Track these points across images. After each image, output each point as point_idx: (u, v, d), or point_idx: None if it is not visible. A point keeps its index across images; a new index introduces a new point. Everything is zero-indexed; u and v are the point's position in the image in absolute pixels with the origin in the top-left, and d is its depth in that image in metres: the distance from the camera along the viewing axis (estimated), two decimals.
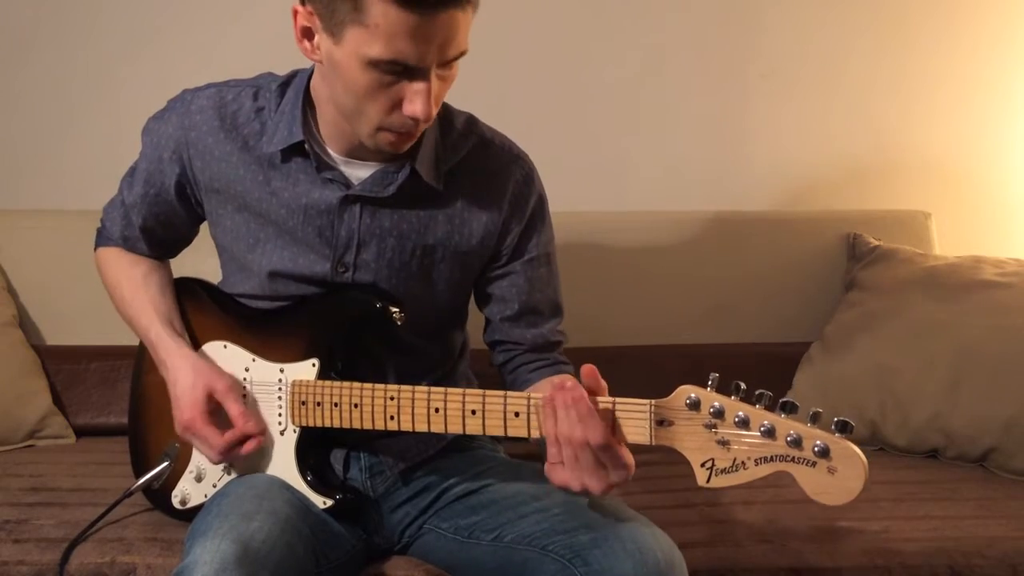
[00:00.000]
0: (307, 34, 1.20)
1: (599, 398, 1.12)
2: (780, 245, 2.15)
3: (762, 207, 2.31)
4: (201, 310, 1.43)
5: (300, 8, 1.19)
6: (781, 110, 2.32)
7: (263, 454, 1.33)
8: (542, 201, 1.42)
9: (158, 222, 1.44)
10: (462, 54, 1.17)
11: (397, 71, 1.15)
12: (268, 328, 1.36)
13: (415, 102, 1.16)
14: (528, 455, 1.47)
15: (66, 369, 1.99)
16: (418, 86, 1.16)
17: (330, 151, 1.32)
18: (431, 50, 1.13)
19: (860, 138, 2.33)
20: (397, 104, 1.18)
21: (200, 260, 1.54)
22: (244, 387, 1.35)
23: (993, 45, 2.32)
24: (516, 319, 1.42)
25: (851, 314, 2.00)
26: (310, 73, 1.32)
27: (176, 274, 1.50)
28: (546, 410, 1.12)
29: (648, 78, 2.29)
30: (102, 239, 1.51)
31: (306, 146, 1.29)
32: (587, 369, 1.13)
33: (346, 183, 1.31)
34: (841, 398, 1.89)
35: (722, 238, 2.15)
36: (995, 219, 2.36)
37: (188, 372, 1.31)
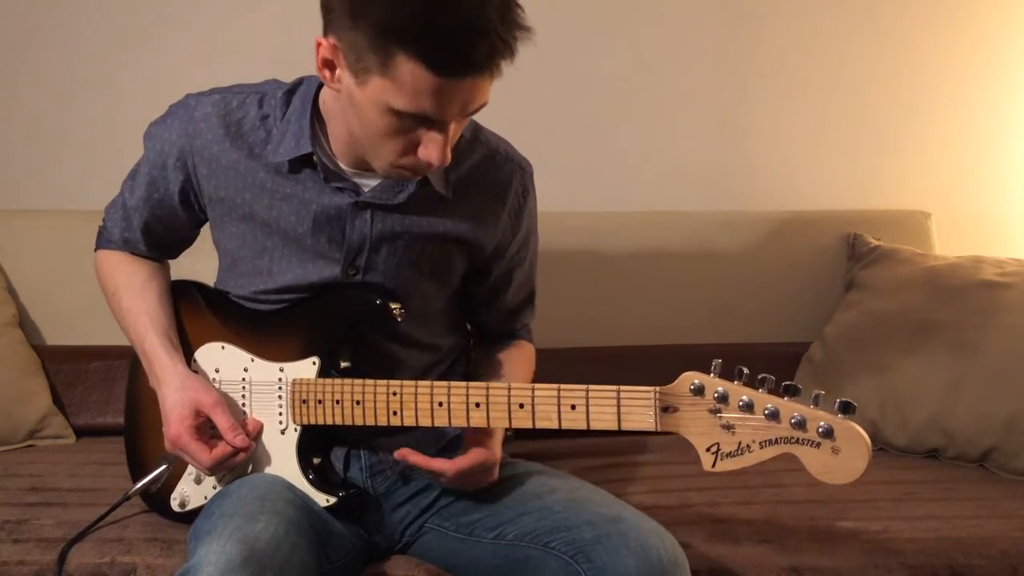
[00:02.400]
0: (328, 65, 1.19)
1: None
2: (780, 245, 2.15)
3: (762, 207, 2.31)
4: (198, 312, 1.43)
5: (324, 41, 1.17)
6: (781, 110, 2.32)
7: (264, 454, 1.33)
8: (534, 211, 1.46)
9: (160, 225, 1.44)
10: (482, 106, 1.18)
11: (416, 120, 1.15)
12: (266, 328, 1.36)
13: (430, 149, 1.17)
14: (529, 455, 1.47)
15: (66, 369, 1.99)
16: (435, 135, 1.17)
17: (339, 163, 1.32)
18: (454, 108, 1.14)
19: (860, 138, 2.33)
20: (412, 147, 1.19)
21: (198, 261, 1.54)
22: (242, 391, 1.35)
23: (993, 45, 2.32)
24: (497, 315, 1.49)
25: (851, 314, 2.00)
26: (319, 84, 1.32)
27: (174, 275, 1.50)
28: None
29: (648, 78, 2.29)
30: (102, 240, 1.51)
31: (314, 158, 1.29)
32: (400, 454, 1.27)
33: (356, 190, 1.31)
34: (841, 398, 1.88)
35: (722, 238, 2.15)
36: (995, 219, 2.36)
37: (177, 387, 1.30)
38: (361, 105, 1.16)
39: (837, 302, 2.06)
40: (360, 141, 1.23)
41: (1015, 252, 2.18)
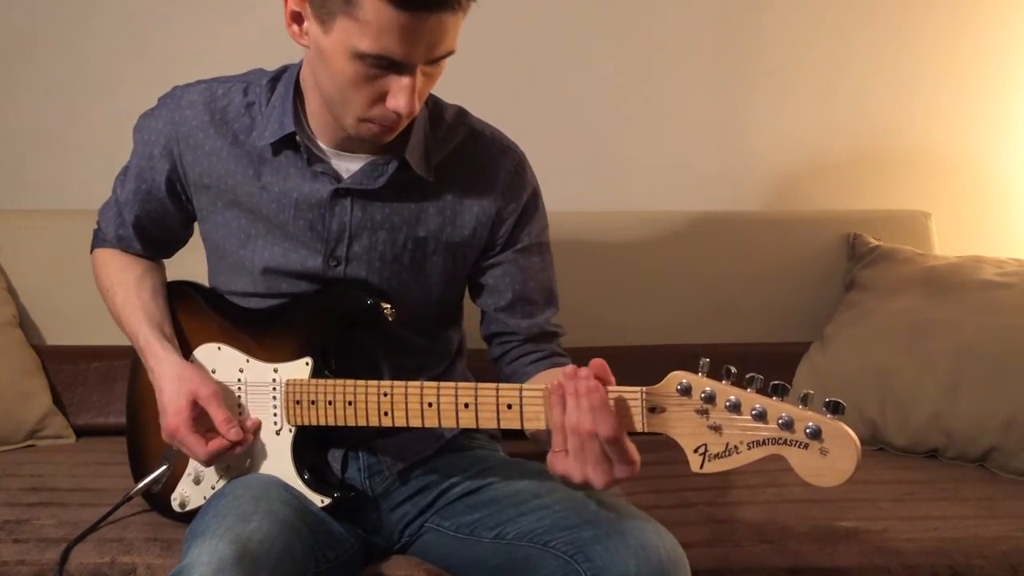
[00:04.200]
0: (296, 18, 1.21)
1: (610, 389, 1.10)
2: (780, 245, 2.15)
3: (762, 207, 2.31)
4: (194, 313, 1.43)
5: None
6: (781, 110, 2.32)
7: (260, 454, 1.33)
8: (535, 191, 1.42)
9: (150, 219, 1.44)
10: (449, 54, 1.18)
11: (383, 65, 1.15)
12: (261, 328, 1.36)
13: (399, 97, 1.17)
14: (529, 454, 1.46)
15: (66, 369, 1.99)
16: (403, 81, 1.16)
17: (320, 143, 1.32)
18: (419, 49, 1.14)
19: (860, 138, 2.33)
20: (380, 97, 1.18)
21: (195, 262, 1.53)
22: (237, 391, 1.35)
23: (993, 44, 2.32)
24: (510, 308, 1.41)
25: (851, 314, 2.00)
26: (299, 67, 1.33)
27: (171, 274, 1.50)
28: (553, 398, 1.10)
29: (648, 77, 2.29)
30: (98, 240, 1.51)
31: (297, 138, 1.30)
32: (597, 363, 1.11)
33: (336, 176, 1.31)
34: (841, 398, 1.87)
35: (722, 238, 2.15)
36: (995, 219, 2.36)
37: (173, 379, 1.30)
38: (328, 54, 1.16)
39: (837, 302, 2.06)
40: (330, 99, 1.22)
41: (1015, 252, 2.17)
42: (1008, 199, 2.36)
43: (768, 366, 1.92)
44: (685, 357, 1.98)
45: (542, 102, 2.25)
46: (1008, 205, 2.36)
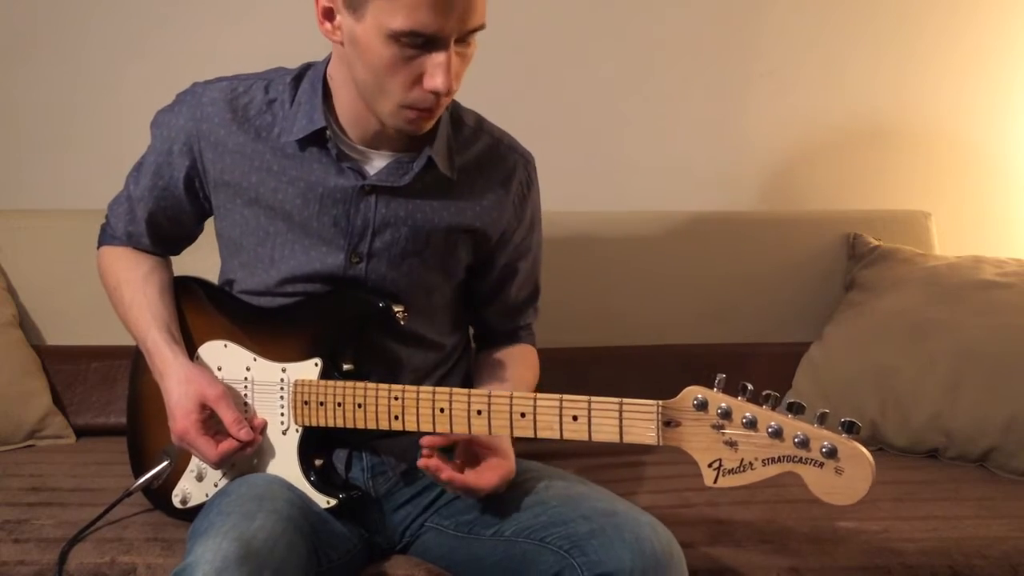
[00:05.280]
0: (328, 15, 1.22)
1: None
2: (780, 245, 2.15)
3: (762, 207, 2.31)
4: (201, 309, 1.43)
5: None
6: (781, 110, 2.32)
7: (265, 453, 1.33)
8: (538, 202, 1.47)
9: (164, 216, 1.44)
10: (480, 27, 1.19)
11: (418, 43, 1.16)
12: (269, 327, 1.36)
13: (435, 76, 1.17)
14: (528, 454, 1.47)
15: (66, 369, 1.99)
16: (438, 59, 1.17)
17: (348, 139, 1.32)
18: (451, 20, 1.15)
19: (860, 137, 2.33)
20: (418, 80, 1.19)
21: (201, 258, 1.54)
22: (244, 389, 1.35)
23: (994, 44, 2.32)
24: (499, 312, 1.49)
25: (851, 314, 2.00)
26: (325, 64, 1.33)
27: (177, 272, 1.50)
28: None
29: (648, 77, 2.29)
30: (106, 237, 1.51)
31: (328, 132, 1.30)
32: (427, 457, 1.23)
33: (362, 173, 1.32)
34: (841, 398, 1.89)
35: (722, 238, 2.15)
36: (995, 219, 2.36)
37: (181, 381, 1.30)
38: (362, 42, 1.17)
39: (837, 302, 2.06)
40: (367, 90, 1.23)
41: (1015, 252, 2.17)
42: (1008, 199, 2.36)
43: (768, 366, 1.95)
44: (686, 357, 2.02)
45: (542, 102, 2.25)
46: (1008, 205, 2.37)
